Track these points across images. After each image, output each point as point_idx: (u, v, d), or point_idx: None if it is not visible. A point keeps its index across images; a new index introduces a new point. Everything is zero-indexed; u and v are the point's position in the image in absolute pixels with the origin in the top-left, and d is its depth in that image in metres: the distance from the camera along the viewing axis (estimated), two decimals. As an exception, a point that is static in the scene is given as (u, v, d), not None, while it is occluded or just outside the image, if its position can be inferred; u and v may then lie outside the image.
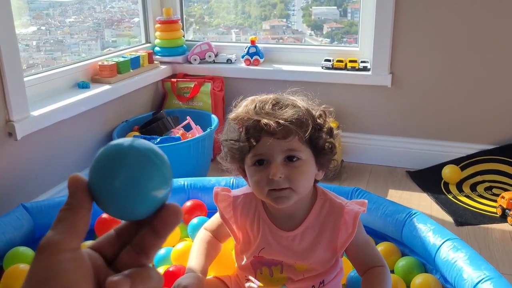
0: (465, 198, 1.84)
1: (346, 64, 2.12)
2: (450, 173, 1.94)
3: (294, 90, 1.02)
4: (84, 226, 0.35)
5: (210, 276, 1.13)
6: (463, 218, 1.69)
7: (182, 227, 1.43)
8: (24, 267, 1.19)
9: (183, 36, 2.38)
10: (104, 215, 1.35)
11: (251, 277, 1.07)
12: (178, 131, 1.96)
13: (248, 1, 2.51)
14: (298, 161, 0.93)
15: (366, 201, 1.04)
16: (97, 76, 1.98)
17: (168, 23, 2.28)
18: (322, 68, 2.15)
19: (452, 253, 1.15)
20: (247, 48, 2.24)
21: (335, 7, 2.38)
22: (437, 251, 1.20)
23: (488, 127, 2.02)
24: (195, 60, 2.30)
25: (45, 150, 1.69)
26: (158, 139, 1.83)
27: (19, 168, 1.59)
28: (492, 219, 1.68)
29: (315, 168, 0.98)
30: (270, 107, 0.94)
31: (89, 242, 1.20)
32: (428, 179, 1.99)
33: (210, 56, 2.30)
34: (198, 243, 1.11)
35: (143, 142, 0.36)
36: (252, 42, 2.24)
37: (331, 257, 1.02)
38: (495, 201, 1.77)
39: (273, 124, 0.90)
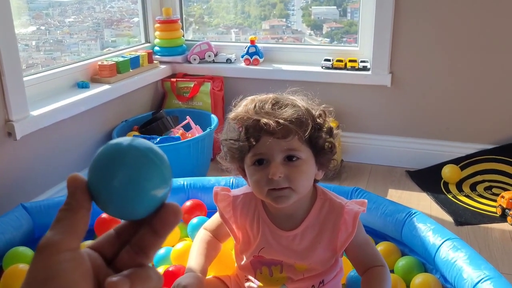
0: (464, 197, 1.84)
1: (345, 64, 2.12)
2: (450, 173, 1.94)
3: (293, 89, 1.02)
4: (84, 226, 0.35)
5: (209, 276, 1.13)
6: (463, 218, 1.69)
7: (182, 227, 1.42)
8: (23, 267, 1.19)
9: (183, 36, 2.38)
10: (104, 215, 1.35)
11: (250, 277, 1.07)
12: (177, 131, 1.96)
13: (248, 1, 2.51)
14: (298, 160, 0.93)
15: (366, 200, 1.04)
16: (97, 76, 1.98)
17: (168, 23, 2.28)
18: (322, 68, 2.15)
19: (452, 252, 1.15)
20: (246, 48, 2.24)
21: (335, 7, 2.38)
22: (437, 250, 1.19)
23: (488, 127, 2.02)
24: (194, 59, 2.30)
25: (44, 150, 1.69)
26: (158, 139, 1.82)
27: (18, 168, 1.59)
28: (492, 219, 1.68)
29: (315, 168, 0.98)
30: (270, 106, 0.94)
31: (89, 242, 1.20)
32: (427, 179, 1.99)
33: (209, 56, 2.30)
34: (198, 243, 1.11)
35: (142, 142, 0.36)
36: (252, 42, 2.24)
37: (331, 256, 1.02)
38: (495, 200, 1.77)
39: (273, 124, 0.90)
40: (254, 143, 0.93)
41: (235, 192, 1.07)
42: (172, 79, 2.27)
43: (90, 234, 1.37)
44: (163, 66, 2.27)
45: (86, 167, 1.83)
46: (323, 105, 1.01)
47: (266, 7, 2.49)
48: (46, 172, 1.70)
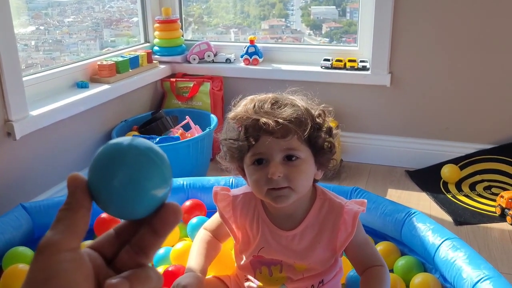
0: (464, 197, 1.84)
1: (345, 64, 2.12)
2: (449, 173, 1.94)
3: (293, 89, 1.02)
4: (84, 225, 0.35)
5: (209, 275, 1.13)
6: (462, 218, 1.69)
7: (182, 226, 1.42)
8: (23, 267, 1.18)
9: (182, 36, 2.38)
10: (104, 215, 1.35)
11: (250, 277, 1.07)
12: (177, 131, 1.96)
13: (247, 0, 2.51)
14: (297, 160, 0.93)
15: (366, 200, 1.04)
16: (96, 75, 1.97)
17: (167, 23, 2.28)
18: (321, 67, 2.15)
19: (451, 252, 1.16)
20: (246, 48, 2.24)
21: (334, 7, 2.38)
22: (436, 250, 1.20)
23: (487, 127, 2.02)
24: (194, 59, 2.30)
25: (44, 150, 1.69)
26: (157, 139, 1.82)
27: (18, 168, 1.59)
28: (491, 219, 1.69)
29: (314, 168, 0.98)
30: (269, 106, 0.94)
31: (89, 242, 1.20)
32: (427, 179, 1.99)
33: (209, 56, 2.30)
34: (198, 243, 1.11)
35: (142, 141, 0.36)
36: (251, 41, 2.24)
37: (330, 256, 1.02)
38: (494, 200, 1.77)
39: (272, 123, 0.90)
40: (253, 142, 0.93)
41: (234, 192, 1.07)
42: (172, 79, 2.27)
43: (90, 234, 1.37)
44: (162, 66, 2.27)
45: (85, 167, 1.83)
46: (323, 105, 1.01)
47: (265, 7, 2.49)
48: (46, 172, 1.70)
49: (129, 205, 0.35)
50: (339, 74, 2.11)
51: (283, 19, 2.49)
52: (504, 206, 1.68)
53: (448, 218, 1.71)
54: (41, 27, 2.06)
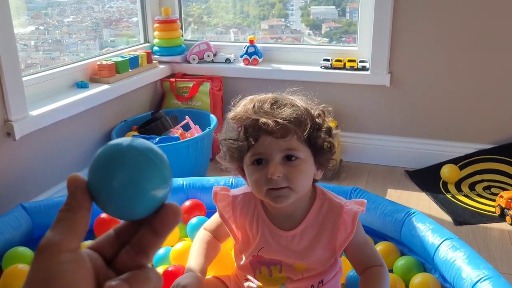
0: (463, 197, 1.84)
1: (344, 64, 2.12)
2: (449, 173, 1.94)
3: (293, 89, 1.02)
4: (84, 226, 0.35)
5: (209, 276, 1.13)
6: (462, 218, 1.69)
7: (181, 227, 1.42)
8: (23, 267, 1.19)
9: (182, 36, 2.38)
10: (103, 215, 1.35)
11: (250, 277, 1.07)
12: (177, 131, 1.96)
13: (247, 0, 2.51)
14: (297, 160, 0.93)
15: (365, 200, 1.04)
16: (96, 75, 1.97)
17: (167, 23, 2.28)
18: (321, 67, 2.15)
19: (451, 252, 1.16)
20: (245, 48, 2.24)
21: (334, 7, 2.38)
22: (436, 250, 1.20)
23: (487, 127, 2.02)
24: (193, 59, 2.30)
25: (43, 150, 1.69)
26: (157, 139, 1.82)
27: (17, 168, 1.59)
28: (490, 219, 1.69)
29: (314, 168, 0.98)
30: (269, 106, 0.94)
31: (88, 242, 1.20)
32: (427, 179, 1.99)
33: (208, 56, 2.30)
34: (198, 243, 1.11)
35: (142, 142, 0.36)
36: (251, 41, 2.24)
37: (330, 256, 1.02)
38: (494, 200, 1.77)
39: (272, 123, 0.90)
40: (253, 142, 0.93)
41: (234, 192, 1.07)
42: (171, 79, 2.27)
43: (90, 234, 1.37)
44: (162, 66, 2.27)
45: (85, 167, 1.83)
46: (322, 105, 1.01)
47: (265, 7, 2.49)
48: (45, 172, 1.70)
49: (129, 206, 0.35)
50: (338, 74, 2.11)
51: (283, 19, 2.49)
52: (503, 206, 1.68)
53: (447, 218, 1.71)
54: (41, 27, 2.06)
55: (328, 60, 2.14)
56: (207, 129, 1.92)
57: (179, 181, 1.54)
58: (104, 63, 1.96)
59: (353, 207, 1.01)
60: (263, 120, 0.91)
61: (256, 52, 2.23)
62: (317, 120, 0.97)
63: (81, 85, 1.88)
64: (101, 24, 2.33)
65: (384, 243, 1.34)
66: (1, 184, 1.53)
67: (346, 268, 1.18)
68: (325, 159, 0.99)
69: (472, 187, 1.91)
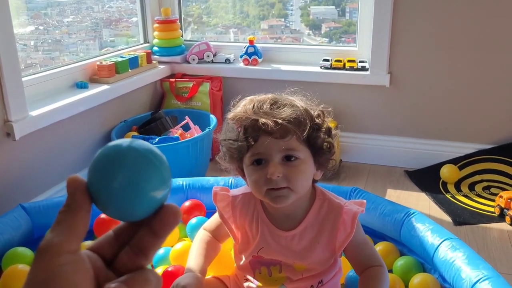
0: (463, 197, 1.84)
1: (344, 64, 2.12)
2: (448, 173, 1.94)
3: (292, 90, 1.02)
4: (83, 227, 0.35)
5: (209, 276, 1.13)
6: (461, 218, 1.69)
7: (181, 227, 1.42)
8: (22, 267, 1.19)
9: (182, 36, 2.38)
10: (103, 215, 1.35)
11: (250, 277, 1.07)
12: (176, 131, 1.96)
13: (246, 0, 2.51)
14: (296, 160, 0.94)
15: (365, 201, 1.04)
16: (96, 76, 1.97)
17: (167, 23, 2.28)
18: (321, 68, 2.15)
19: (450, 252, 1.16)
20: (245, 48, 2.24)
21: (333, 7, 2.38)
22: (435, 250, 1.20)
23: (486, 127, 2.03)
24: (193, 60, 2.30)
25: (43, 150, 1.69)
26: (157, 139, 1.82)
27: (17, 168, 1.59)
28: (490, 219, 1.69)
29: (314, 168, 0.98)
30: (268, 106, 0.94)
31: (88, 242, 1.20)
32: (426, 179, 1.99)
33: (208, 56, 2.30)
34: (197, 243, 1.11)
35: (141, 143, 0.36)
36: (251, 41, 2.24)
37: (329, 257, 1.02)
38: (493, 200, 1.77)
39: (271, 124, 0.90)
40: (252, 143, 0.93)
41: (234, 192, 1.07)
42: (171, 79, 2.27)
43: (89, 234, 1.37)
44: (162, 66, 2.27)
45: (85, 167, 1.83)
46: (322, 105, 1.01)
47: (264, 7, 2.49)
48: (45, 172, 1.70)
49: (129, 207, 0.35)
50: (338, 74, 2.11)
51: (283, 19, 2.49)
52: (503, 206, 1.68)
53: (447, 218, 1.71)
54: (41, 27, 2.06)
55: (327, 60, 2.14)
56: (207, 130, 1.92)
57: (178, 181, 1.54)
58: (104, 63, 1.96)
59: (352, 207, 1.01)
60: (262, 120, 0.91)
61: (255, 52, 2.23)
62: (316, 120, 0.97)
63: (81, 86, 1.88)
64: (100, 24, 2.33)
65: (384, 243, 1.34)
66: (1, 184, 1.53)
67: (345, 268, 1.18)
68: (324, 159, 0.99)
69: (471, 187, 1.91)
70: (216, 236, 1.12)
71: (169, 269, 1.20)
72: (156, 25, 2.29)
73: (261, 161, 0.94)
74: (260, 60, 2.25)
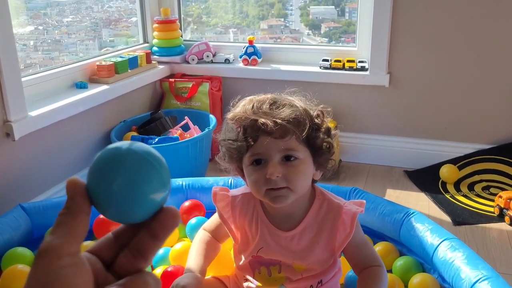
0: (462, 197, 1.84)
1: (344, 64, 2.12)
2: (447, 173, 1.95)
3: (292, 90, 1.02)
4: (83, 230, 0.35)
5: (208, 276, 1.13)
6: (461, 218, 1.70)
7: (181, 227, 1.42)
8: (22, 267, 1.19)
9: (181, 36, 2.38)
10: (102, 216, 1.35)
11: (249, 277, 1.07)
12: (176, 131, 1.96)
13: (246, 0, 2.51)
14: (296, 160, 0.94)
15: (364, 201, 1.04)
16: (95, 76, 1.97)
17: (166, 23, 2.28)
18: (320, 68, 2.15)
19: (449, 252, 1.16)
20: (245, 48, 2.24)
21: (333, 7, 2.38)
22: (435, 250, 1.20)
23: (486, 127, 2.03)
24: (193, 60, 2.30)
25: (43, 151, 1.69)
26: (156, 139, 1.82)
27: (17, 168, 1.59)
28: (489, 219, 1.69)
29: (313, 168, 0.98)
30: (268, 106, 0.94)
31: (88, 243, 1.20)
32: (426, 179, 1.99)
33: (208, 56, 2.30)
34: (197, 243, 1.11)
35: (141, 145, 0.36)
36: (250, 42, 2.24)
37: (329, 257, 1.03)
38: (493, 200, 1.77)
39: (270, 124, 0.90)
40: (252, 143, 0.93)
41: (233, 192, 1.08)
42: (171, 79, 2.27)
43: (89, 234, 1.37)
44: (161, 66, 2.27)
45: (84, 167, 1.83)
46: (321, 105, 1.01)
47: (264, 7, 2.49)
48: (45, 172, 1.70)
49: (128, 209, 0.35)
50: (337, 75, 2.11)
51: (282, 19, 2.49)
52: (502, 206, 1.68)
53: (446, 218, 1.71)
54: (40, 27, 2.06)
55: (327, 60, 2.14)
56: (206, 130, 1.92)
57: (178, 181, 1.55)
58: (103, 63, 1.96)
59: (352, 207, 1.01)
60: (262, 120, 0.91)
61: (255, 53, 2.23)
62: (316, 120, 0.97)
63: (80, 86, 1.88)
64: (100, 24, 2.33)
65: (383, 243, 1.35)
66: (1, 184, 1.53)
67: (345, 269, 1.18)
68: (324, 159, 0.99)
69: (471, 187, 1.91)
70: (216, 236, 1.12)
71: (169, 269, 1.20)
72: (155, 25, 2.29)
73: (260, 161, 0.94)
74: (259, 60, 2.25)
